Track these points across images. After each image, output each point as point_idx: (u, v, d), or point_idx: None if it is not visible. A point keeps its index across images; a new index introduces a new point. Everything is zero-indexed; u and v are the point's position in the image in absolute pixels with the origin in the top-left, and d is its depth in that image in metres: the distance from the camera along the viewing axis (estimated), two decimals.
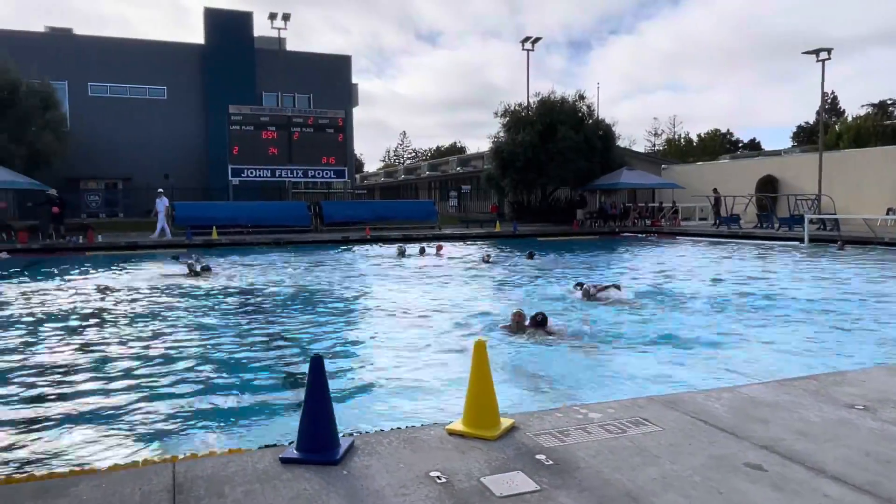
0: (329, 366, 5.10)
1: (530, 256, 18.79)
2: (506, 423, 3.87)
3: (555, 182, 36.62)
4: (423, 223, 31.47)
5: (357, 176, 54.74)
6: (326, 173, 32.27)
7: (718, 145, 76.94)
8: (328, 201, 33.41)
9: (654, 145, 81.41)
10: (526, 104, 38.16)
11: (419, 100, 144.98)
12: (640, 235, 30.28)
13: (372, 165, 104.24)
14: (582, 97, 37.91)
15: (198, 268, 14.80)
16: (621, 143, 40.17)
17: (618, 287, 10.99)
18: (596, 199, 38.45)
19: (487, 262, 17.66)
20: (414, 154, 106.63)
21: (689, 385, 5.77)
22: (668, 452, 3.50)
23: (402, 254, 18.73)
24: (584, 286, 10.79)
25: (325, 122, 31.75)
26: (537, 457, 3.42)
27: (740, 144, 79.53)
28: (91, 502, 2.97)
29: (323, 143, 31.76)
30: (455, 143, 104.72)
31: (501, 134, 37.59)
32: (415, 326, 8.60)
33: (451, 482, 3.14)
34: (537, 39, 39.68)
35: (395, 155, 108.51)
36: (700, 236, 28.04)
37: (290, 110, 32.65)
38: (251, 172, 30.71)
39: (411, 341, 7.74)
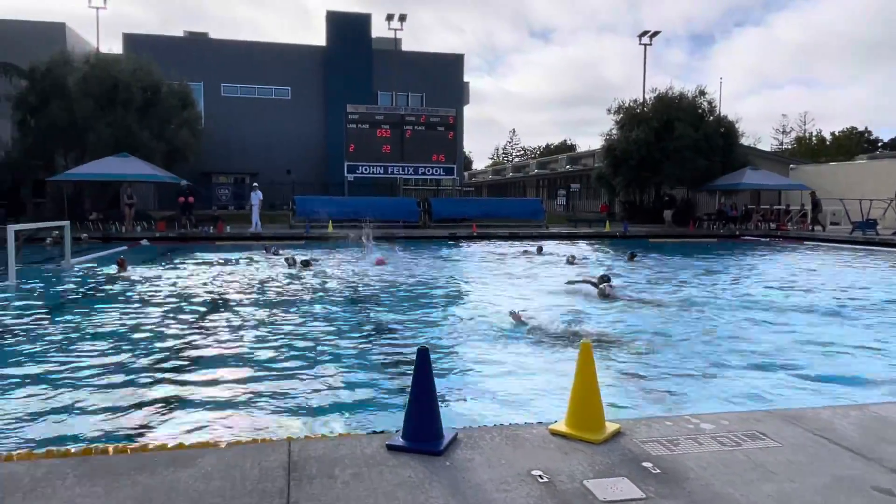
0: (435, 359, 5.15)
1: (631, 258, 18.15)
2: (611, 427, 3.80)
3: (670, 181, 35.21)
4: (529, 221, 31.21)
5: (465, 173, 54.86)
6: (436, 170, 32.68)
7: (855, 144, 70.96)
8: (437, 198, 33.71)
9: (781, 144, 76.33)
10: (641, 100, 36.96)
11: (530, 97, 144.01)
12: (762, 239, 28.51)
13: (480, 163, 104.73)
14: (702, 93, 36.20)
15: (298, 260, 14.92)
16: (745, 140, 37.98)
17: (608, 279, 11.07)
18: (715, 199, 36.60)
19: (572, 263, 17.20)
20: (523, 152, 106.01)
21: (809, 401, 5.39)
22: (787, 470, 3.31)
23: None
24: (600, 286, 10.70)
25: (437, 121, 32.15)
26: (644, 464, 3.33)
27: (880, 144, 72.93)
28: (215, 473, 3.20)
29: (434, 141, 32.20)
30: (565, 140, 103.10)
31: (614, 131, 36.60)
32: (511, 323, 8.50)
33: (552, 482, 3.12)
34: (656, 33, 38.32)
35: (503, 153, 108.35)
36: (830, 242, 26.01)
37: (403, 109, 33.29)
38: (365, 169, 31.61)
39: (512, 338, 7.68)
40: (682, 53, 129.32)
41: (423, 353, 3.45)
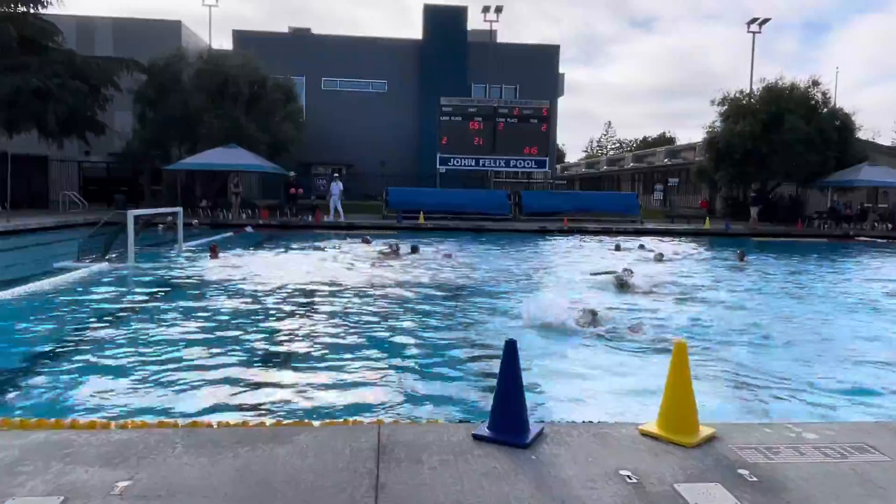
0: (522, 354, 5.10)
1: (741, 258, 17.23)
2: (705, 431, 3.67)
3: (777, 177, 33.25)
4: (624, 216, 30.35)
5: (558, 166, 53.90)
6: (528, 163, 32.48)
7: None
8: (528, 191, 33.44)
9: None
10: (748, 91, 35.05)
11: (628, 88, 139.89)
12: (878, 241, 26.40)
13: (573, 156, 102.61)
14: (816, 83, 33.88)
15: (399, 248, 15.04)
16: (862, 135, 35.26)
17: (630, 272, 11.04)
18: (827, 197, 34.28)
19: (660, 261, 16.42)
20: (618, 145, 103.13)
21: None
22: None
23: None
24: (617, 275, 10.65)
25: (530, 113, 31.82)
26: (739, 471, 3.20)
27: None
28: (310, 450, 3.34)
29: (526, 134, 31.93)
30: (663, 133, 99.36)
31: (717, 123, 34.91)
32: (594, 320, 8.15)
33: (641, 483, 3.06)
34: (765, 21, 36.26)
35: (598, 145, 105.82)
36: None
37: (496, 101, 33.22)
38: (457, 161, 31.83)
39: (590, 335, 7.46)
40: (794, 42, 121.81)
41: (511, 346, 3.44)
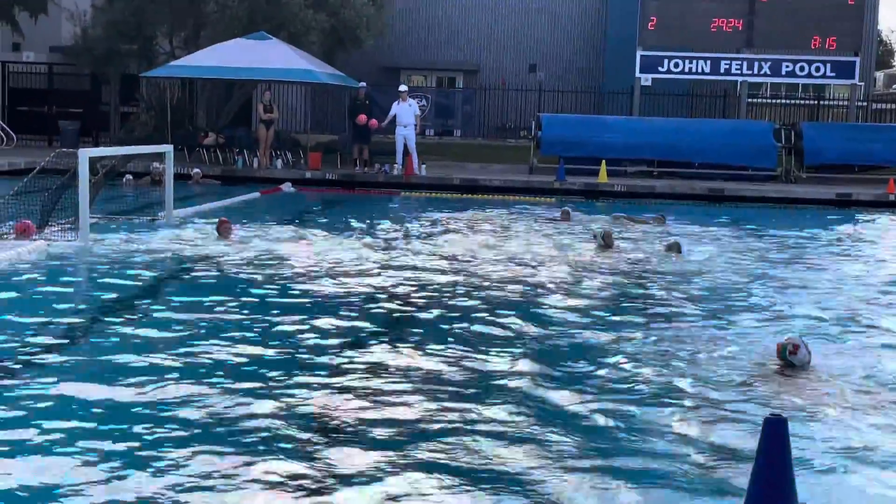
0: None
1: None
2: None
3: None
4: None
5: (880, 75, 38.79)
6: (817, 68, 21.18)
7: None
8: (815, 123, 22.81)
9: None
10: None
11: None
12: None
13: None
14: None
15: (599, 236, 11.08)
16: None
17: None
18: None
19: None
20: None
21: None
22: None
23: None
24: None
25: None
26: None
27: None
28: None
29: (815, 12, 20.23)
30: None
31: None
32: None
33: None
34: None
35: None
36: None
37: None
38: (675, 64, 21.32)
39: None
40: None
41: (778, 426, 2.80)
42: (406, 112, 18.40)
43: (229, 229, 10.67)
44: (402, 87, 19.63)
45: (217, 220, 11.11)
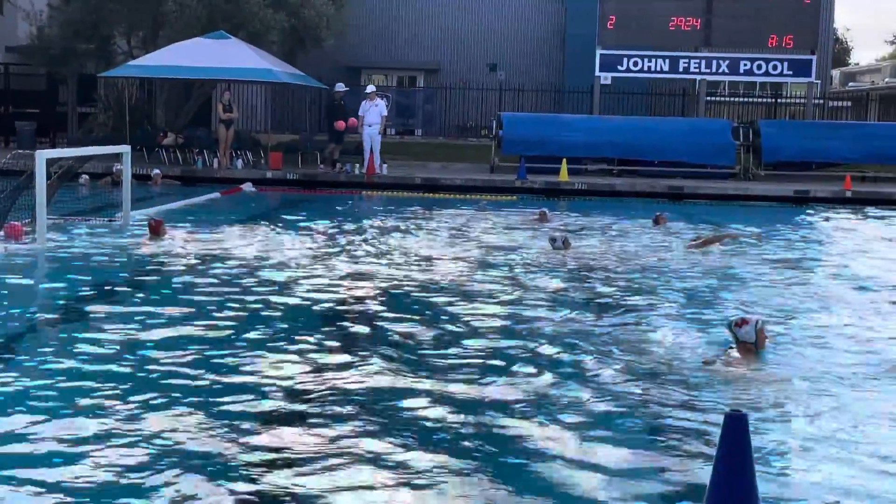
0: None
1: None
2: None
3: None
4: None
5: (836, 73, 39.13)
6: (774, 66, 21.51)
7: None
8: (772, 121, 23.09)
9: None
10: None
11: None
12: None
13: (868, 53, 69.93)
14: None
15: (559, 241, 11.35)
16: None
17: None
18: None
19: None
20: None
21: None
22: None
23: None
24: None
25: None
26: None
27: None
28: None
29: (771, 11, 20.95)
30: None
31: None
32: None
33: None
34: None
35: None
36: None
37: None
38: (634, 63, 21.60)
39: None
40: None
41: (737, 422, 2.82)
42: (373, 112, 18.49)
43: (161, 227, 10.94)
44: (370, 88, 19.64)
45: (149, 221, 11.27)
